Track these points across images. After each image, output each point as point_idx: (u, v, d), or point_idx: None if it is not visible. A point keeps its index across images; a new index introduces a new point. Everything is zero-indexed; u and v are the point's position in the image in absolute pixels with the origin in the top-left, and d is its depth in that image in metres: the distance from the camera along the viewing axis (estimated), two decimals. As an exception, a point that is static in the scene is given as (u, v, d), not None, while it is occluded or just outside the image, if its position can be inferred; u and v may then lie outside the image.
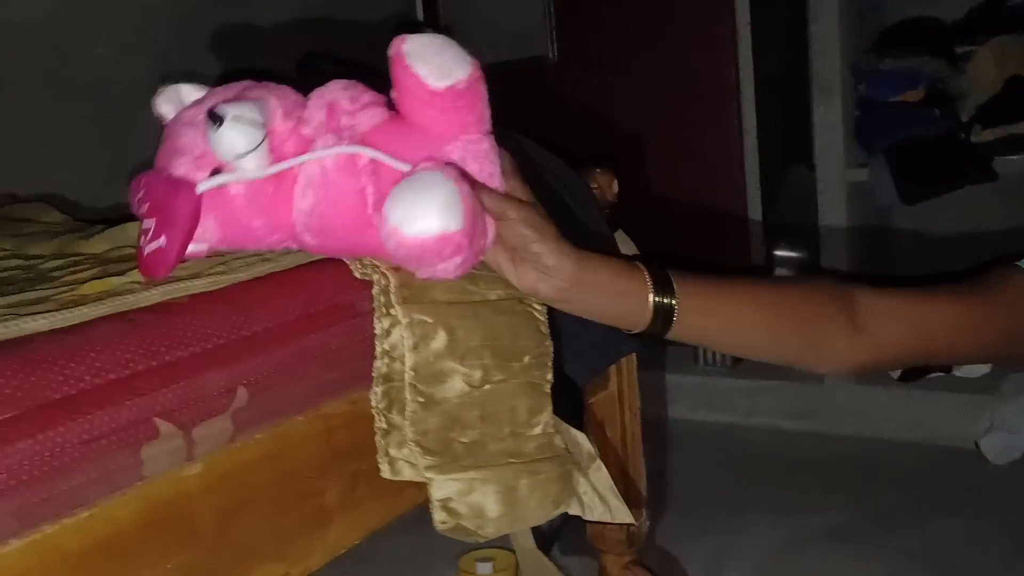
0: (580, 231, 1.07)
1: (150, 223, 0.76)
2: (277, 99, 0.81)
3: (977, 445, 1.92)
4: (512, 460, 0.90)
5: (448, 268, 0.78)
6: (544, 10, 2.47)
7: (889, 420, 2.07)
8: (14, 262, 1.04)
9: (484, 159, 0.82)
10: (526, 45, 2.51)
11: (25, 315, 0.70)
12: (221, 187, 0.77)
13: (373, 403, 0.84)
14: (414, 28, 1.23)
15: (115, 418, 0.64)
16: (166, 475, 0.69)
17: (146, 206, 0.78)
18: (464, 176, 0.77)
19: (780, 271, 2.30)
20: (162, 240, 0.75)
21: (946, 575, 1.54)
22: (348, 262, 0.87)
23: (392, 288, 0.84)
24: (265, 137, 0.77)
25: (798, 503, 1.84)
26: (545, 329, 0.96)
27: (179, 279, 0.78)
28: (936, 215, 2.35)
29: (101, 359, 0.65)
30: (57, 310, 0.72)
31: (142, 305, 0.75)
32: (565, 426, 0.98)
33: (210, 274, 0.80)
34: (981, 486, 1.86)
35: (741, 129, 2.23)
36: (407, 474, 0.84)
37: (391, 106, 0.83)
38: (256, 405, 0.75)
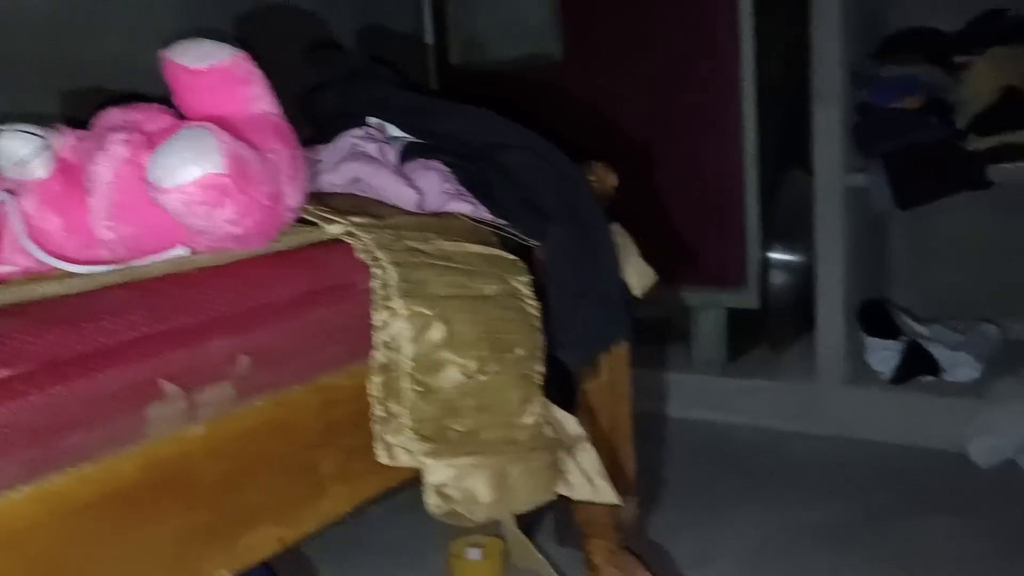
0: (572, 217, 1.10)
1: None
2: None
3: (965, 448, 1.95)
4: (505, 448, 0.93)
5: (230, 218, 0.78)
6: (551, 7, 2.50)
7: (879, 422, 2.10)
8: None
9: (266, 131, 0.86)
10: (534, 43, 2.54)
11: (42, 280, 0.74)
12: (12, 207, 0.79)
13: (372, 392, 0.87)
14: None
15: (122, 377, 0.67)
16: (170, 435, 0.72)
17: None
18: (232, 135, 0.79)
19: (775, 274, 2.33)
20: None
21: (918, 570, 1.57)
22: (351, 242, 0.90)
23: (393, 281, 0.88)
24: (47, 144, 0.82)
25: (786, 501, 1.87)
26: (538, 324, 1.00)
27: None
28: (933, 222, 2.39)
29: (112, 321, 0.68)
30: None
31: (153, 275, 0.78)
32: (555, 407, 1.02)
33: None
34: (967, 488, 1.88)
35: (741, 133, 2.26)
36: (404, 460, 0.88)
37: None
38: (258, 373, 0.78)
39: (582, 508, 1.27)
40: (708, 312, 2.36)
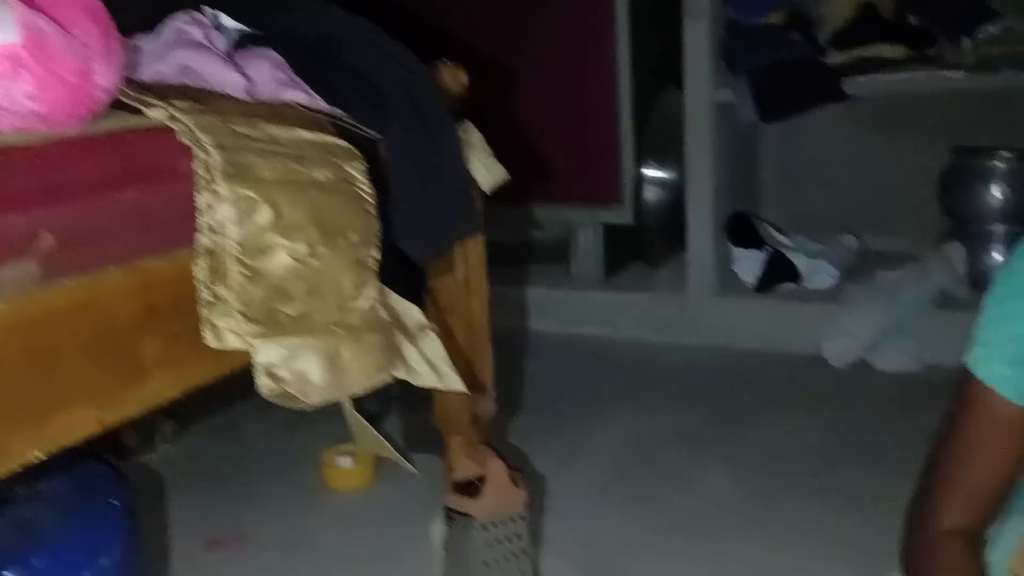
0: (414, 111, 1.10)
1: None
2: None
3: (821, 350, 2.06)
4: (337, 330, 0.93)
5: (28, 92, 0.74)
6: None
7: (745, 330, 2.19)
8: None
9: (73, 7, 0.81)
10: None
11: None
12: None
13: (198, 276, 0.86)
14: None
15: (-98, 247, 0.64)
16: (-35, 312, 0.69)
17: None
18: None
19: (649, 190, 2.39)
20: None
21: (774, 462, 1.67)
22: (173, 126, 0.88)
23: (217, 165, 0.86)
24: None
25: (652, 408, 1.94)
26: (372, 209, 0.99)
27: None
28: (800, 140, 2.48)
29: None
30: None
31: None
32: (395, 296, 1.02)
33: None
34: (820, 387, 1.99)
35: (615, 50, 2.28)
36: (232, 342, 0.87)
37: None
38: (66, 253, 0.76)
39: (440, 405, 1.29)
40: (585, 229, 2.40)
